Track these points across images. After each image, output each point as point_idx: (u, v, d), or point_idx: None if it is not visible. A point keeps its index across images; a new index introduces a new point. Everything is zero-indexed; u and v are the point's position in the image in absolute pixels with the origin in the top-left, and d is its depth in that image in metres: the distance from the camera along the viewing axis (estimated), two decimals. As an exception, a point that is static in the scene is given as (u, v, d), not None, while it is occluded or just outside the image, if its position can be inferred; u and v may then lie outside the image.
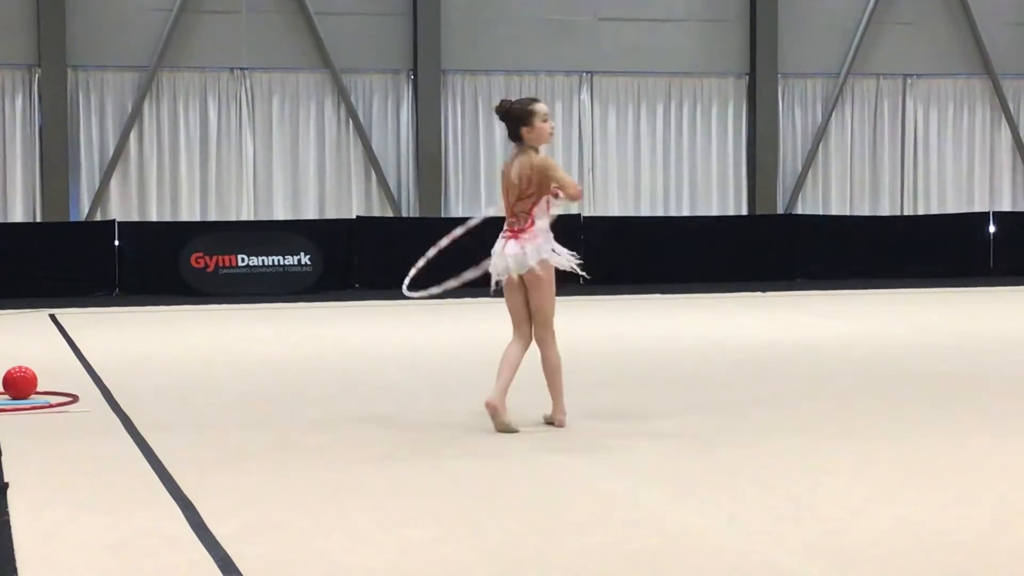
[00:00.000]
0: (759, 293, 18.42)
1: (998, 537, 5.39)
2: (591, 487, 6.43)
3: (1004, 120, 23.41)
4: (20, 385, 9.00)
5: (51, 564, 5.08)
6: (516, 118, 8.15)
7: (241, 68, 20.90)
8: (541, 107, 8.22)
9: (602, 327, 14.21)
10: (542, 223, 8.08)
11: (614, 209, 21.60)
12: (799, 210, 22.65)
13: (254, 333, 14.01)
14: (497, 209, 8.64)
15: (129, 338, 13.46)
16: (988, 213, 21.58)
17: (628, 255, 19.48)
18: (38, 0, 19.97)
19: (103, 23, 20.37)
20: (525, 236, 8.03)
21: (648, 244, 19.76)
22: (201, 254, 18.44)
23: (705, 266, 19.80)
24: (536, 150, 8.20)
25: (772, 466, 6.86)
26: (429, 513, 5.86)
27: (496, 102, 8.49)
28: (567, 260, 8.15)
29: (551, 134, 8.27)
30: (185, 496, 6.18)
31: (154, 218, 20.48)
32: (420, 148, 21.29)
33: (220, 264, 18.49)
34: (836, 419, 8.31)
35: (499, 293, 8.25)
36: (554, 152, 19.66)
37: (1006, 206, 23.28)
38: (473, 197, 21.63)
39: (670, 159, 22.40)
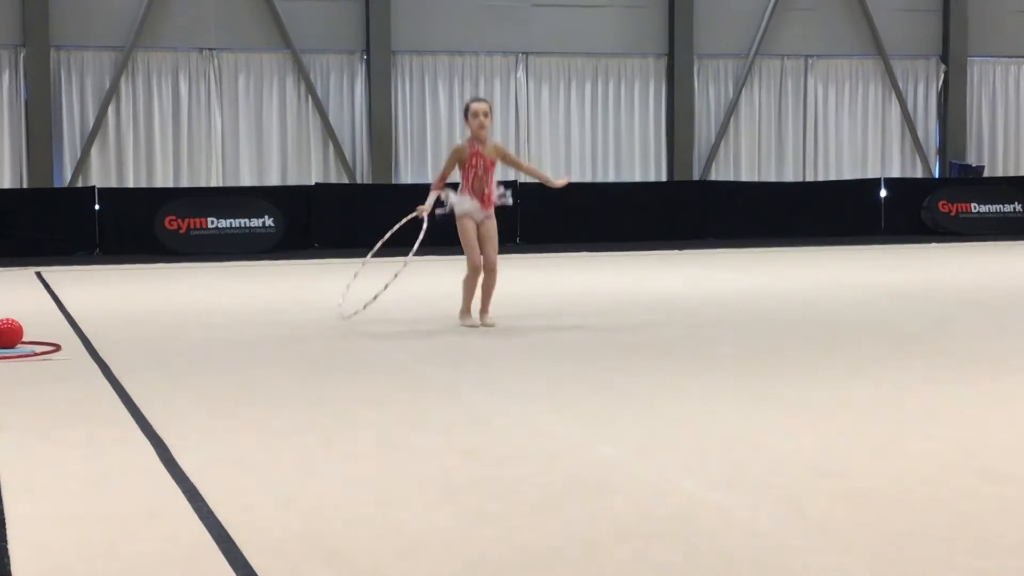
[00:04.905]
0: (675, 251, 18.53)
1: (877, 466, 5.47)
2: (517, 422, 6.46)
3: (894, 96, 23.61)
4: (7, 336, 8.95)
5: (34, 495, 5.07)
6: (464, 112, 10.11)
7: (209, 48, 20.73)
8: (472, 106, 9.95)
9: (535, 281, 14.24)
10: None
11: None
12: (712, 176, 22.77)
13: (222, 288, 13.96)
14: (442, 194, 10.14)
15: (108, 293, 13.37)
16: (879, 179, 21.77)
17: (559, 217, 19.52)
18: (23, -14, 19.74)
19: (83, 6, 20.14)
20: (492, 194, 9.98)
21: (578, 207, 19.80)
22: (174, 217, 18.32)
23: (628, 227, 19.88)
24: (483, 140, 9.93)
25: (680, 403, 6.92)
26: (372, 448, 5.88)
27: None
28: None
29: (479, 127, 9.85)
30: (156, 434, 6.18)
31: (131, 184, 20.34)
32: (372, 121, 21.22)
33: (191, 226, 18.37)
34: (739, 362, 8.38)
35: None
36: (494, 126, 19.66)
37: (895, 173, 23.52)
38: (420, 165, 21.59)
39: (597, 131, 22.46)
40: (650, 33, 22.46)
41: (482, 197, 9.96)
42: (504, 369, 8.15)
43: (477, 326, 10.05)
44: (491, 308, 10.25)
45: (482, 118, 9.88)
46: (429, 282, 14.00)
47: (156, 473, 5.42)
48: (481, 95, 9.78)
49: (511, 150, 21.08)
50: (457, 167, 10.05)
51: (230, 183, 20.67)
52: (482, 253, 9.98)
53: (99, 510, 4.85)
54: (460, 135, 18.25)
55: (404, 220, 10.59)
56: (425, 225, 10.05)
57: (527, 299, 12.25)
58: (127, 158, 20.50)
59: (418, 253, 10.37)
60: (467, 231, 9.96)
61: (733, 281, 14.18)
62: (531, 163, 10.56)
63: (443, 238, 10.46)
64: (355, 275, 11.15)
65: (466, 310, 10.19)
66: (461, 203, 9.97)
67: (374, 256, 10.92)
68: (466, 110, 10.04)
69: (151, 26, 20.32)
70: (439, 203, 10.15)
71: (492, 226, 10.02)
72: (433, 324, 10.45)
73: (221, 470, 5.45)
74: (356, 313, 10.45)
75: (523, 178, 19.73)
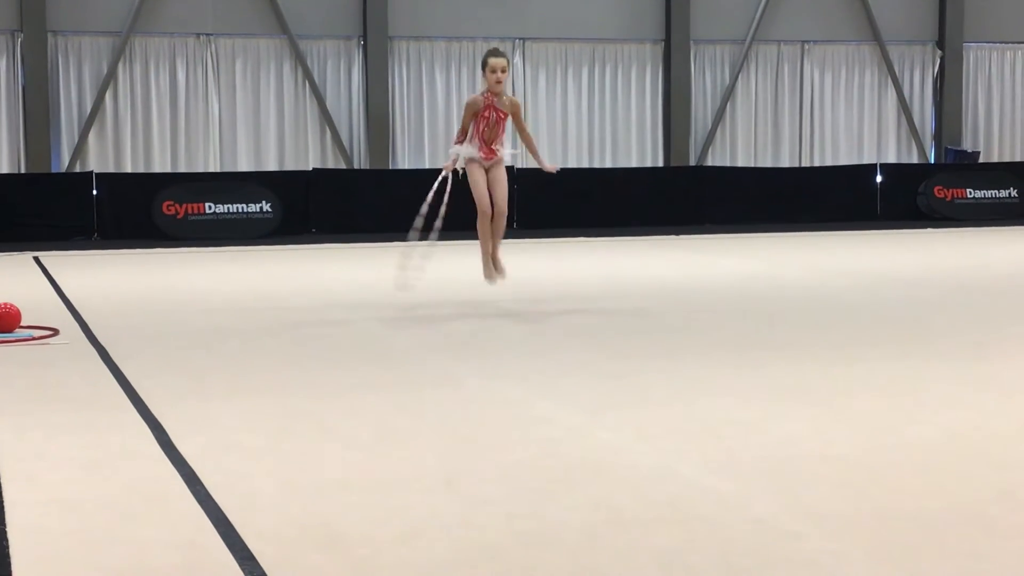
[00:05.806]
0: (672, 236, 18.51)
1: (875, 451, 5.47)
2: (515, 408, 6.45)
3: (890, 82, 23.58)
4: (5, 320, 8.93)
5: (32, 480, 5.06)
6: (482, 65, 10.09)
7: (207, 34, 20.66)
8: (490, 61, 9.97)
9: (532, 266, 14.22)
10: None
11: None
12: (709, 162, 22.74)
13: (220, 273, 13.94)
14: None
15: (106, 278, 13.34)
16: (875, 165, 21.73)
17: (557, 202, 19.49)
18: (20, -29, 19.67)
19: (80, -8, 20.07)
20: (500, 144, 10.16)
21: (574, 193, 19.77)
22: (172, 202, 18.28)
23: (625, 212, 19.85)
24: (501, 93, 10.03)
25: (677, 389, 6.91)
26: (370, 435, 5.87)
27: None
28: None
29: (496, 82, 9.95)
30: (155, 418, 6.16)
31: (129, 169, 20.29)
32: (370, 107, 21.17)
33: (189, 211, 18.33)
34: (736, 347, 8.37)
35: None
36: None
37: (891, 158, 23.50)
38: (417, 151, 21.56)
39: (594, 116, 22.42)
40: (647, 19, 22.41)
41: (489, 147, 10.06)
42: (502, 355, 8.14)
43: (496, 281, 10.25)
44: (501, 259, 10.32)
45: (499, 73, 9.98)
46: (428, 269, 13.98)
47: (154, 458, 5.40)
48: (500, 49, 9.63)
49: (509, 132, 21.09)
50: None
51: (227, 168, 20.63)
52: (492, 197, 10.08)
53: (97, 495, 4.84)
54: (457, 120, 18.21)
55: (435, 184, 10.13)
56: (449, 181, 10.05)
57: (524, 284, 12.23)
58: (125, 143, 20.45)
59: (431, 236, 10.26)
60: (475, 175, 10.07)
61: (729, 266, 14.16)
62: (533, 141, 10.55)
63: (445, 225, 10.24)
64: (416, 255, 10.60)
65: (486, 260, 10.22)
66: (465, 151, 10.08)
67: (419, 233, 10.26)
68: (484, 63, 10.07)
69: (148, 11, 20.26)
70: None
71: (501, 172, 10.13)
72: (431, 310, 10.43)
73: (220, 455, 5.44)
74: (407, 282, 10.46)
75: (520, 163, 19.74)
